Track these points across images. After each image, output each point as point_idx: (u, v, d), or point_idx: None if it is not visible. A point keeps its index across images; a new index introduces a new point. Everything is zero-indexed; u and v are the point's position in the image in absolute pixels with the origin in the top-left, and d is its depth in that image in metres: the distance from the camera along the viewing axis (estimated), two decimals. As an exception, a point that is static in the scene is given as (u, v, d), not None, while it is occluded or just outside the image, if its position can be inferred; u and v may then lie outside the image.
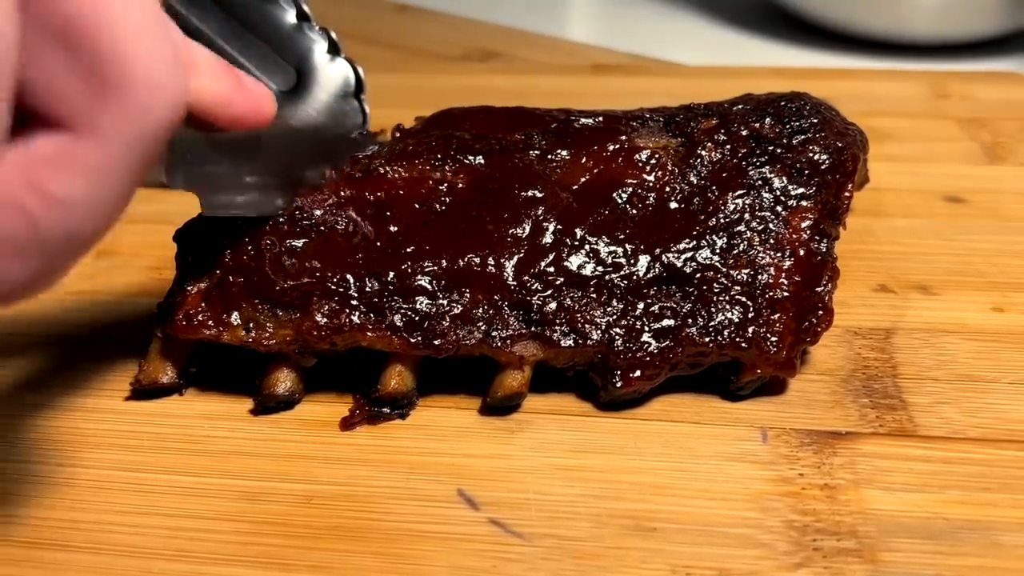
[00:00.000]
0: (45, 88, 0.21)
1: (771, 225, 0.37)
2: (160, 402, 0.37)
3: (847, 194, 0.38)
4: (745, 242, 0.37)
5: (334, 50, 0.44)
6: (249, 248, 0.36)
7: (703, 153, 0.39)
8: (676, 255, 0.37)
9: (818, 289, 0.36)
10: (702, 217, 0.37)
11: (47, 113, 0.21)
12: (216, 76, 0.28)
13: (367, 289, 0.36)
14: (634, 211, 0.38)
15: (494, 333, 0.35)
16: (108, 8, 0.21)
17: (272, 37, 0.42)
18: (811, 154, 0.39)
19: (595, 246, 0.37)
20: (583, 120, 0.41)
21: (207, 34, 0.44)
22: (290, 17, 0.43)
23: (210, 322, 0.36)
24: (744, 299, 0.36)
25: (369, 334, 0.35)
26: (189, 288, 0.36)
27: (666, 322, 0.36)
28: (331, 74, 0.39)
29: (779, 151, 0.39)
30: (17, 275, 0.22)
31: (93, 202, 0.22)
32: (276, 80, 0.38)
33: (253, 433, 0.36)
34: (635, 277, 0.36)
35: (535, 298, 0.36)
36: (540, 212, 0.37)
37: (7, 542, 0.31)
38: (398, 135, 0.42)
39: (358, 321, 0.35)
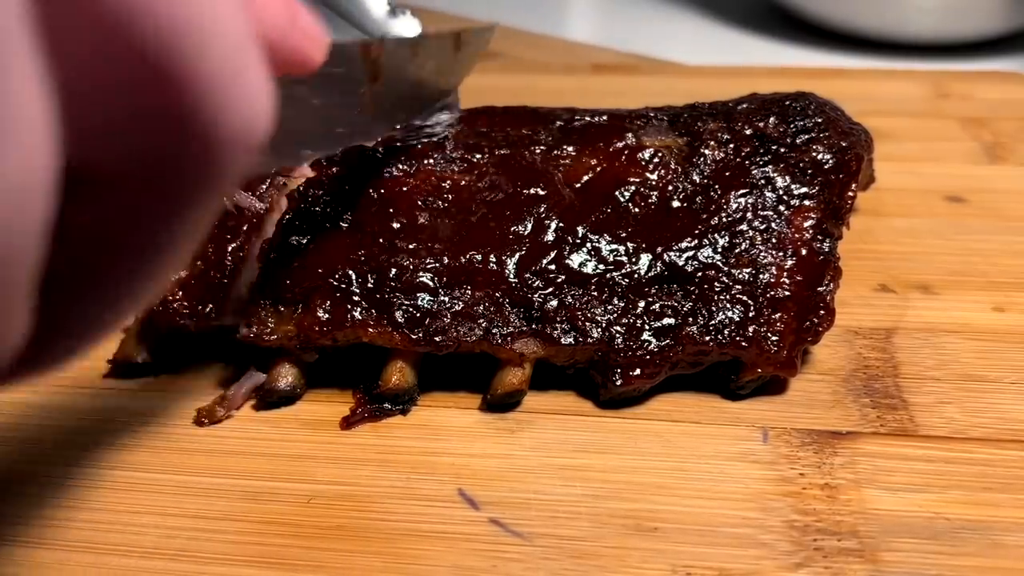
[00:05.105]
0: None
1: (773, 224, 0.37)
2: (161, 402, 0.37)
3: (850, 194, 0.38)
4: (747, 241, 0.37)
5: None
6: (241, 243, 0.36)
7: (706, 152, 0.39)
8: (678, 254, 0.37)
9: (820, 289, 0.36)
10: (704, 216, 0.37)
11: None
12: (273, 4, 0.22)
13: (369, 285, 0.36)
14: (637, 209, 0.38)
15: (495, 330, 0.35)
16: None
17: None
18: (814, 153, 0.39)
19: (597, 244, 0.37)
20: (587, 118, 0.41)
21: None
22: None
23: (185, 311, 0.36)
24: (745, 298, 0.36)
25: (370, 330, 0.35)
26: None
27: (667, 320, 0.36)
28: None
29: (782, 150, 0.39)
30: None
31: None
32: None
33: (254, 433, 0.36)
34: (636, 275, 0.36)
35: (536, 295, 0.36)
36: (543, 210, 0.37)
37: (7, 542, 0.31)
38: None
39: (359, 317, 0.35)
